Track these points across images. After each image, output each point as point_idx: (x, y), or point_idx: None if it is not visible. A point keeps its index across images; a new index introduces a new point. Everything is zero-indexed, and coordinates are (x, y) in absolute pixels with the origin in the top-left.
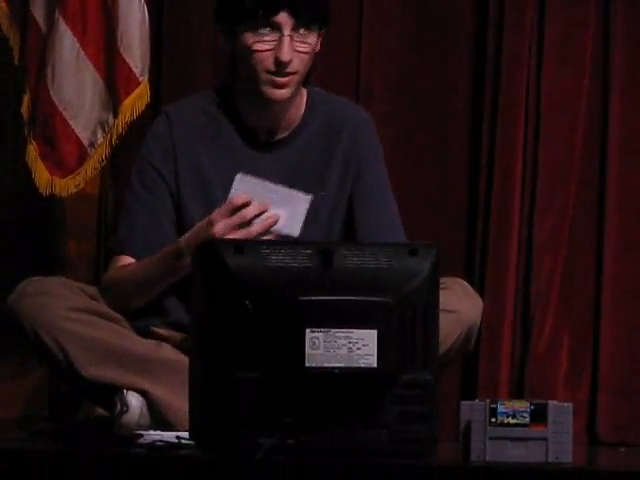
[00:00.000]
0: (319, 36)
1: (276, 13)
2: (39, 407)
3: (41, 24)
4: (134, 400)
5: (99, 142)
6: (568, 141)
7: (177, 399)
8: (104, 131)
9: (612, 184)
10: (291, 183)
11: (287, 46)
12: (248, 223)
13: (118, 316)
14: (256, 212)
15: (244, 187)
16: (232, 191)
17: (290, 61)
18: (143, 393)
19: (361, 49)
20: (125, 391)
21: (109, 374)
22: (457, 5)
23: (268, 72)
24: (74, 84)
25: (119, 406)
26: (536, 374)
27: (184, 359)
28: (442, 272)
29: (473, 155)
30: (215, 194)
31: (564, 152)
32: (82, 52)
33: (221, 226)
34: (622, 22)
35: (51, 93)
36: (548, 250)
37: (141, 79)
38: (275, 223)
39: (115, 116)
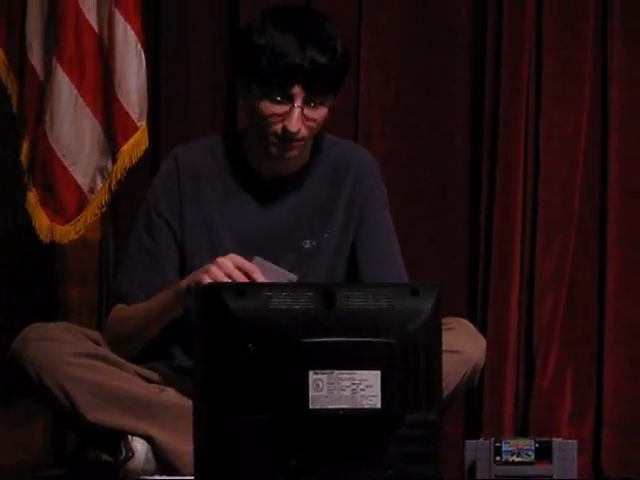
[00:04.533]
0: (333, 100)
1: (290, 85)
2: (44, 454)
3: (39, 71)
4: (139, 445)
5: (98, 188)
6: (568, 178)
7: (182, 443)
8: (103, 177)
9: (612, 221)
10: (296, 226)
11: (296, 118)
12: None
13: (122, 361)
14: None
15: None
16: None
17: (298, 132)
18: (148, 438)
19: (359, 89)
20: (130, 437)
21: (114, 419)
22: (455, 43)
23: (275, 136)
24: (73, 130)
25: (124, 452)
26: (540, 411)
27: (188, 403)
28: (444, 312)
29: (473, 195)
30: (220, 236)
31: (564, 189)
32: (80, 98)
33: (218, 266)
34: (620, 58)
35: (50, 140)
36: (550, 288)
37: (139, 125)
38: None
39: (114, 162)
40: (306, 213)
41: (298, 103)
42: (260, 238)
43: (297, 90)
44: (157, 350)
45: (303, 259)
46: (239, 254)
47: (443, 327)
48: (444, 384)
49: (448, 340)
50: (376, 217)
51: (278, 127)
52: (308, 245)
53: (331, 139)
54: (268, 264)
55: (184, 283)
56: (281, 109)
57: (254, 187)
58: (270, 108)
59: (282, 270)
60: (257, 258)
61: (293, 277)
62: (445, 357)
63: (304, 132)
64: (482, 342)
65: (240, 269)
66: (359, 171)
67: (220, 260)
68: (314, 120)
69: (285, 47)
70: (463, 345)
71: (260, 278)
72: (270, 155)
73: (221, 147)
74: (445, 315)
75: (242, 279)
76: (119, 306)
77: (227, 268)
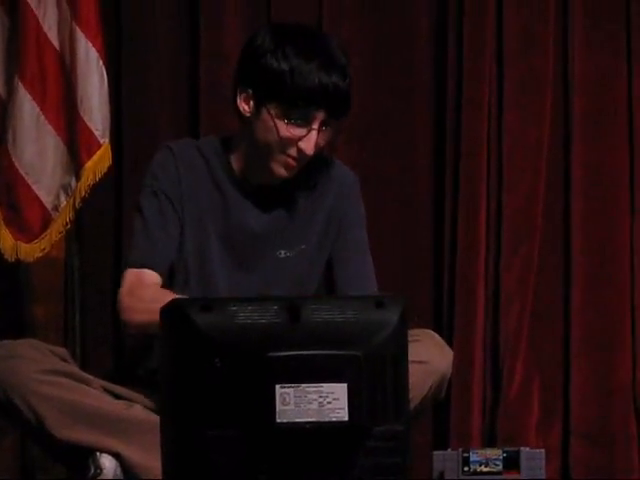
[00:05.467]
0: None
1: (315, 110)
2: (11, 471)
3: (0, 90)
4: (107, 462)
5: (62, 206)
6: (531, 188)
7: (150, 459)
8: (67, 194)
9: (576, 230)
10: (273, 234)
11: (314, 141)
12: None
13: (89, 377)
14: None
15: None
16: None
17: (312, 154)
18: (116, 455)
19: None
20: (98, 453)
21: (81, 436)
22: (416, 56)
23: (288, 156)
24: (35, 149)
25: (93, 469)
26: (508, 421)
27: (155, 419)
28: (410, 324)
29: (437, 206)
30: (207, 232)
31: (528, 199)
32: (42, 116)
33: None
34: (580, 68)
35: (13, 158)
36: (515, 297)
37: (102, 141)
38: None
39: (78, 179)
40: (285, 223)
41: (316, 126)
42: (239, 242)
43: (320, 114)
44: (138, 353)
45: (277, 268)
46: (222, 259)
47: (410, 339)
48: (411, 395)
49: (414, 351)
50: (353, 234)
51: (291, 149)
52: (283, 255)
53: (317, 154)
54: None
55: None
56: (298, 132)
57: (240, 193)
58: (289, 130)
59: None
60: None
61: None
62: (412, 368)
63: (313, 153)
64: (449, 353)
65: None
66: (341, 188)
67: None
68: (324, 141)
69: (311, 73)
70: (430, 356)
71: None
72: (272, 172)
73: (210, 149)
74: (411, 328)
75: None
76: (147, 272)
77: None
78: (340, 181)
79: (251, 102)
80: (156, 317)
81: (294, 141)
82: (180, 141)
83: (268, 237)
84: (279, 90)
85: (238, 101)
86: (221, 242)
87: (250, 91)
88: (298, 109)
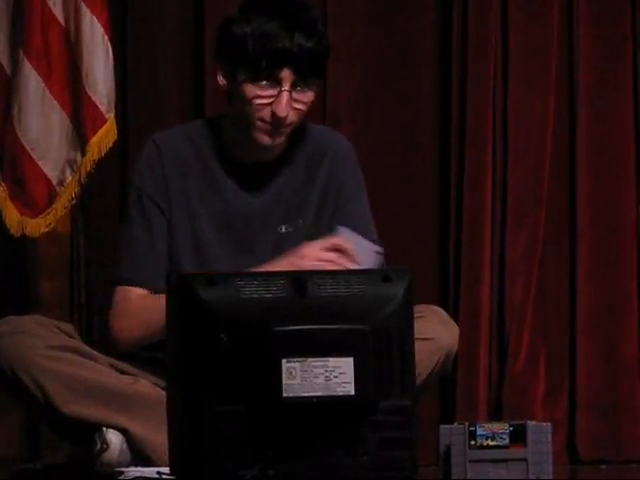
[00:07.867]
0: (318, 85)
1: (279, 68)
2: (18, 448)
3: (5, 65)
4: (114, 438)
5: (68, 181)
6: (537, 159)
7: (157, 435)
8: (72, 170)
9: (582, 200)
10: (273, 211)
11: (285, 102)
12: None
13: (95, 353)
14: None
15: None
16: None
17: (286, 116)
18: (122, 430)
19: (326, 75)
20: (105, 429)
21: (88, 411)
22: (420, 28)
23: (263, 121)
24: (41, 124)
25: (99, 444)
26: (514, 395)
27: (162, 394)
28: (416, 296)
29: (442, 177)
30: (202, 223)
31: (533, 170)
32: (48, 91)
33: (313, 252)
34: (585, 39)
35: (18, 134)
36: (521, 269)
37: (107, 116)
38: None
39: (83, 154)
40: (284, 198)
41: (286, 87)
42: (240, 223)
43: (286, 74)
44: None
45: (279, 244)
46: (219, 244)
47: (415, 315)
48: (417, 372)
49: (420, 327)
50: (352, 204)
51: (265, 112)
52: (284, 230)
53: (308, 125)
54: (352, 234)
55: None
56: (268, 93)
57: (234, 173)
58: (256, 92)
59: (366, 241)
60: (341, 229)
61: (378, 248)
62: (417, 345)
63: (292, 117)
64: (454, 329)
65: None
66: (335, 157)
67: (311, 251)
68: (303, 103)
69: (273, 32)
70: (435, 332)
71: (352, 252)
72: (255, 142)
73: (200, 133)
74: (417, 300)
75: (342, 261)
76: (136, 290)
77: (325, 256)
78: (334, 151)
79: (225, 74)
80: (147, 328)
81: (266, 104)
82: (168, 131)
83: (268, 214)
84: (243, 54)
85: (218, 77)
86: (218, 227)
87: (222, 63)
88: (263, 70)
